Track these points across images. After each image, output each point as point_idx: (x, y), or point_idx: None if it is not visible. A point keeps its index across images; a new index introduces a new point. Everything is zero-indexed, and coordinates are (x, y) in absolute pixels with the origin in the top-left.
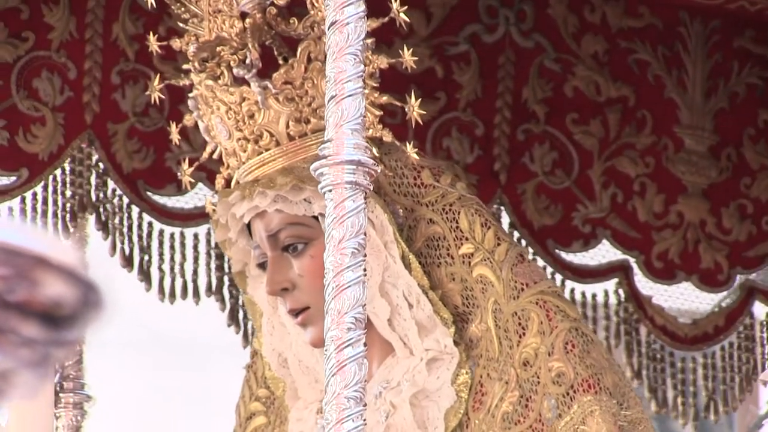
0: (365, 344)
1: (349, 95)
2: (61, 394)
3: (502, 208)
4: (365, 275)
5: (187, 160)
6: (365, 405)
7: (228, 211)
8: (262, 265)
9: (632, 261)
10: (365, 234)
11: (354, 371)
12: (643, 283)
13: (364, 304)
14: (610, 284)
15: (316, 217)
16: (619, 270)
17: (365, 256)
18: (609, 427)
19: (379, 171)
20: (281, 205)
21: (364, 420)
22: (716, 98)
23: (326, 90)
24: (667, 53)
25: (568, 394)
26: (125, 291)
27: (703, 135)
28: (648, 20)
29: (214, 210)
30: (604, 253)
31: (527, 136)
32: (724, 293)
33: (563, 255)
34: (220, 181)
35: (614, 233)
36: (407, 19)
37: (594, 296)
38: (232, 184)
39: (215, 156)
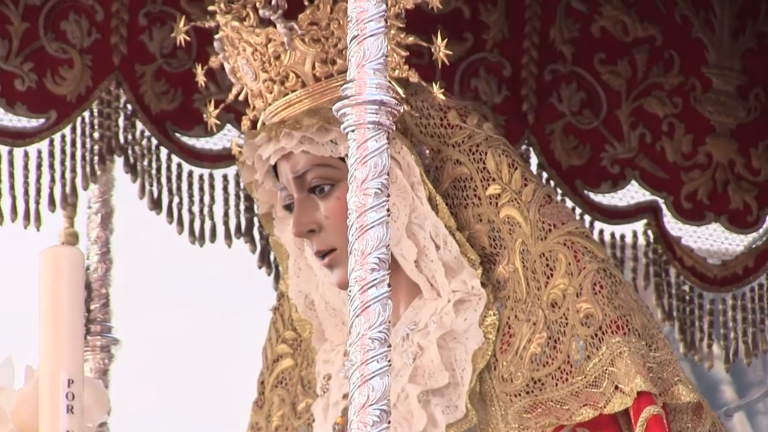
0: (389, 285)
1: (371, 35)
2: (88, 337)
3: (531, 148)
4: (389, 215)
5: (212, 102)
6: (390, 346)
7: (254, 152)
8: (288, 207)
9: (661, 202)
10: (388, 174)
11: (378, 312)
12: (672, 224)
13: (388, 245)
14: (639, 225)
15: (342, 159)
16: (648, 211)
17: (388, 196)
18: (638, 369)
19: (402, 111)
20: (307, 146)
21: (389, 361)
22: (744, 38)
23: (348, 30)
24: None
25: (596, 335)
26: (154, 232)
27: (731, 75)
28: None
29: (240, 152)
30: (633, 193)
31: (554, 77)
32: (754, 234)
33: (592, 195)
34: (245, 123)
35: (643, 174)
36: None
37: (623, 237)
38: (258, 125)
39: (241, 98)
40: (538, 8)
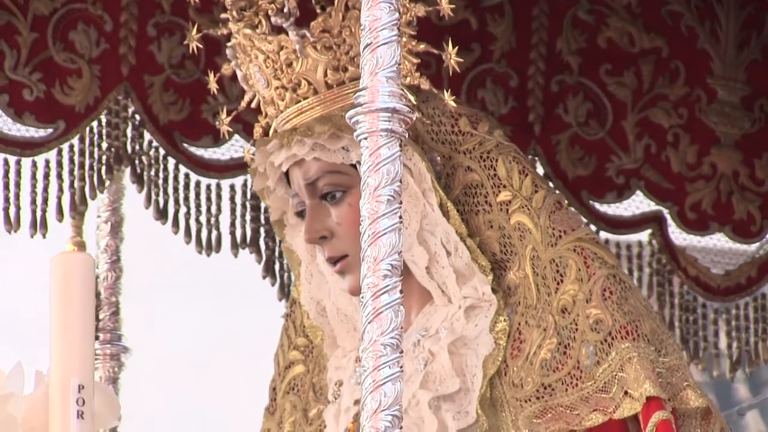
0: (401, 291)
1: (384, 43)
2: (98, 346)
3: (537, 159)
4: (401, 222)
5: (225, 110)
6: (402, 352)
7: (266, 159)
8: (300, 214)
9: (666, 212)
10: (401, 181)
11: (390, 318)
12: (677, 234)
13: (400, 252)
14: (644, 235)
15: (354, 166)
16: (653, 221)
17: (401, 203)
18: (647, 374)
19: (414, 118)
20: (319, 153)
21: (401, 366)
22: (749, 49)
23: (361, 38)
24: (700, 4)
25: (606, 341)
26: (164, 240)
27: (736, 86)
28: None
29: (252, 159)
30: (638, 204)
31: (561, 87)
32: (757, 244)
33: (597, 206)
34: (257, 130)
35: (648, 184)
36: None
37: (628, 247)
38: (270, 133)
39: (253, 105)
40: (545, 19)
